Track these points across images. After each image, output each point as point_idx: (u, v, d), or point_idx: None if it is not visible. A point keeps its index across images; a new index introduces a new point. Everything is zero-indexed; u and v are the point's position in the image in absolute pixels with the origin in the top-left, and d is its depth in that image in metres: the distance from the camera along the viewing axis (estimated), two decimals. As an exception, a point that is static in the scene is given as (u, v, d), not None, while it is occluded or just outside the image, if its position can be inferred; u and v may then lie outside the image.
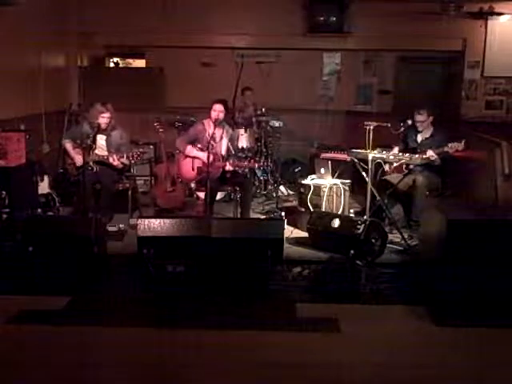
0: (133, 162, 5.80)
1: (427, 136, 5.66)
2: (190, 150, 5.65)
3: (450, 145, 5.10)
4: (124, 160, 5.67)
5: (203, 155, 5.54)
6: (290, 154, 8.39)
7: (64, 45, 8.00)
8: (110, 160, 5.63)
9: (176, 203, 6.12)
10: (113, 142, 5.79)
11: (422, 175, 5.45)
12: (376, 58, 8.91)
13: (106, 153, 5.75)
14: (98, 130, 5.60)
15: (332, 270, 4.39)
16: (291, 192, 7.26)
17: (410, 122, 5.58)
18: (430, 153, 5.21)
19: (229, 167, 5.52)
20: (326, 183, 5.76)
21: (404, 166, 5.40)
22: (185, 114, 7.63)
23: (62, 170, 6.54)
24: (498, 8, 8.16)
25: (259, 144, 7.19)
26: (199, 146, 5.64)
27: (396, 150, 5.72)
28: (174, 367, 3.20)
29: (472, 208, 4.68)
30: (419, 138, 5.71)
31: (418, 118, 5.59)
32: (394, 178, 5.56)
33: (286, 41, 8.43)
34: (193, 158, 5.63)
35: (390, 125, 5.18)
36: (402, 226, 5.48)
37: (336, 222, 5.07)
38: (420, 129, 5.63)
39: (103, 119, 5.62)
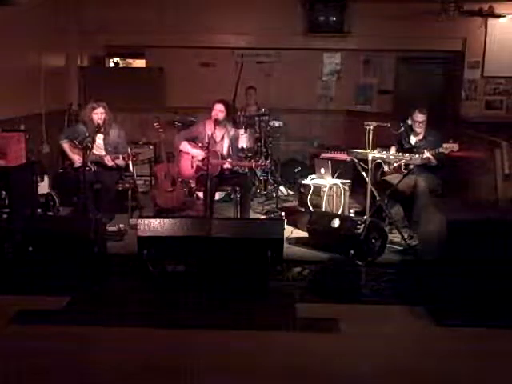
0: (129, 162, 5.81)
1: (420, 137, 5.65)
2: (184, 146, 5.66)
3: (444, 145, 5.08)
4: (119, 161, 5.68)
5: (196, 152, 5.56)
6: (289, 154, 8.40)
7: (64, 45, 7.99)
8: (105, 160, 5.64)
9: (176, 203, 6.11)
10: (110, 141, 5.80)
11: (423, 177, 5.44)
12: (376, 58, 8.91)
13: (103, 152, 5.76)
14: (98, 129, 5.61)
15: (332, 269, 4.38)
16: (291, 192, 7.26)
17: (409, 122, 5.58)
18: (426, 154, 5.20)
19: (227, 165, 5.52)
20: (325, 183, 5.76)
21: (403, 167, 5.40)
22: (185, 114, 7.63)
23: (61, 170, 6.56)
24: (497, 8, 8.16)
25: (259, 144, 7.19)
26: (200, 145, 5.64)
27: (393, 149, 5.72)
28: (173, 367, 3.20)
29: (472, 208, 4.67)
30: (413, 139, 5.69)
31: (420, 117, 5.53)
32: (393, 178, 5.55)
33: (286, 41, 8.43)
34: (192, 156, 5.64)
35: (389, 125, 5.18)
36: (402, 226, 5.48)
37: (336, 222, 5.07)
38: (418, 130, 5.60)
39: (96, 115, 5.62)
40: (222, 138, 5.67)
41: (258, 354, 3.35)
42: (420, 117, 5.55)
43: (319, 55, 8.84)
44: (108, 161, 5.64)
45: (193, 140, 5.71)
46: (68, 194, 6.14)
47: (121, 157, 5.65)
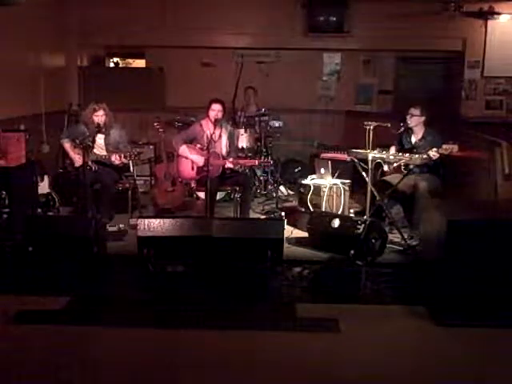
0: (130, 161, 5.82)
1: (420, 137, 5.65)
2: (184, 151, 5.65)
3: (444, 146, 5.07)
4: (124, 159, 5.69)
5: (197, 158, 5.55)
6: (289, 153, 8.40)
7: (64, 45, 8.00)
8: (112, 159, 5.65)
9: (176, 203, 6.12)
10: (111, 141, 5.81)
11: (423, 177, 5.43)
12: (376, 58, 8.91)
13: (104, 152, 5.77)
14: (99, 129, 5.62)
15: (332, 269, 4.39)
16: (291, 192, 7.27)
17: (409, 121, 5.58)
18: (433, 152, 5.15)
19: (228, 165, 5.53)
20: (326, 183, 5.76)
21: (403, 167, 5.39)
22: (185, 113, 7.63)
23: (61, 170, 6.56)
24: (498, 8, 8.16)
25: (259, 144, 7.19)
26: (198, 146, 5.65)
27: (393, 149, 5.71)
28: (173, 367, 3.20)
29: (472, 208, 4.67)
30: (413, 139, 5.69)
31: (412, 110, 5.57)
32: (393, 178, 5.55)
33: (286, 41, 8.42)
34: (192, 160, 5.64)
35: (389, 125, 5.18)
36: (402, 226, 5.48)
37: (336, 222, 5.07)
38: (412, 124, 5.59)
39: (97, 117, 5.65)
40: (220, 136, 5.68)
41: (258, 354, 3.35)
42: (412, 110, 5.58)
43: (319, 55, 8.84)
44: (116, 159, 5.65)
45: (190, 141, 5.71)
46: (68, 193, 6.15)
47: (122, 155, 5.66)
